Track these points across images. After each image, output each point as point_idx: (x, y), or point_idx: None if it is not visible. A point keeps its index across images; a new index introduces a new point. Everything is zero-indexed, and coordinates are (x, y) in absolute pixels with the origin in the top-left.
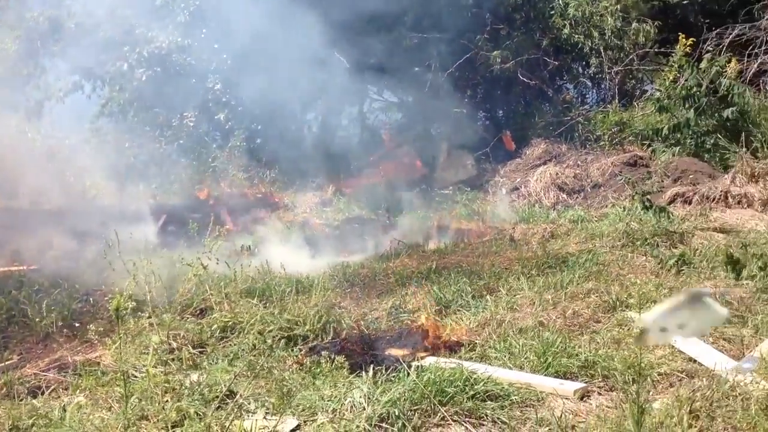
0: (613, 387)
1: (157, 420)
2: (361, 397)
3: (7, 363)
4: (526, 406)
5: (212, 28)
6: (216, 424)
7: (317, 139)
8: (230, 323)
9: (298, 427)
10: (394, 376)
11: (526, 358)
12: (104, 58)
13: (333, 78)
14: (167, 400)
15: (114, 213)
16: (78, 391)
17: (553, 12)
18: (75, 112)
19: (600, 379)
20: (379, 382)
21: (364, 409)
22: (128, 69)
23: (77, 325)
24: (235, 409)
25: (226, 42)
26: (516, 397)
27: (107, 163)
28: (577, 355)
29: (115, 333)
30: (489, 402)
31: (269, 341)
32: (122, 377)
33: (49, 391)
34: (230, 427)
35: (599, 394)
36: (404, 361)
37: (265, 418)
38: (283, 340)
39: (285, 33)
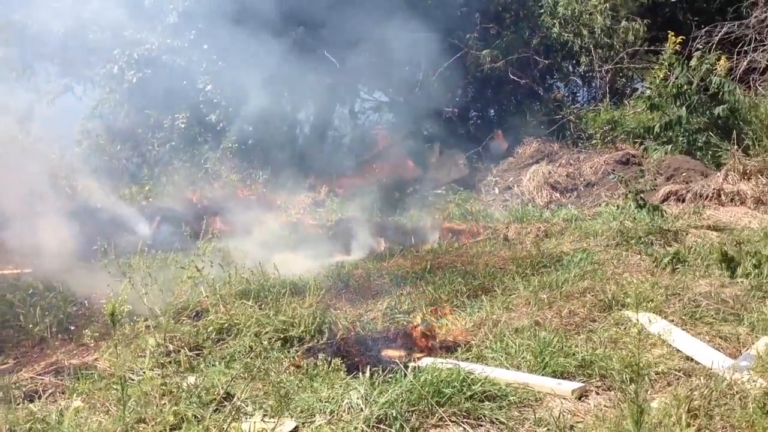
0: (611, 386)
1: (155, 423)
2: (358, 398)
3: (2, 367)
4: (524, 406)
5: (201, 29)
6: (214, 427)
7: (309, 139)
8: (226, 325)
9: (296, 429)
10: (390, 378)
11: (522, 358)
12: (94, 60)
13: (323, 78)
14: (165, 403)
15: (107, 215)
16: (75, 395)
17: (542, 11)
18: (65, 114)
19: (597, 379)
20: (376, 384)
21: (362, 410)
22: (119, 71)
23: (72, 328)
24: (233, 412)
25: (215, 43)
26: (514, 398)
27: (99, 164)
28: (574, 354)
29: (111, 337)
30: (487, 402)
31: (265, 343)
32: (119, 381)
33: (45, 395)
34: (228, 429)
35: (597, 393)
36: (401, 362)
37: (263, 420)
38: (279, 342)
39: (274, 34)
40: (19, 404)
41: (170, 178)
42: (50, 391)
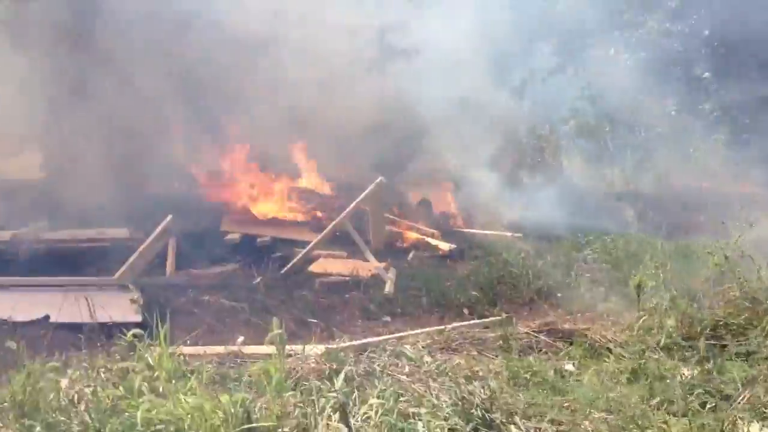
0: None
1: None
2: None
3: (498, 318)
4: None
5: (703, 15)
6: (728, 422)
7: None
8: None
9: None
10: None
11: None
12: (590, 41)
13: None
14: (677, 387)
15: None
16: (567, 358)
17: None
18: (556, 92)
19: None
20: None
21: None
22: (614, 53)
23: (559, 295)
24: (748, 411)
25: (716, 29)
26: None
27: (585, 145)
28: None
29: (635, 308)
30: None
31: None
32: (638, 356)
33: (539, 351)
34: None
35: None
36: None
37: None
38: None
39: None
40: (516, 355)
41: (653, 165)
42: (543, 349)
